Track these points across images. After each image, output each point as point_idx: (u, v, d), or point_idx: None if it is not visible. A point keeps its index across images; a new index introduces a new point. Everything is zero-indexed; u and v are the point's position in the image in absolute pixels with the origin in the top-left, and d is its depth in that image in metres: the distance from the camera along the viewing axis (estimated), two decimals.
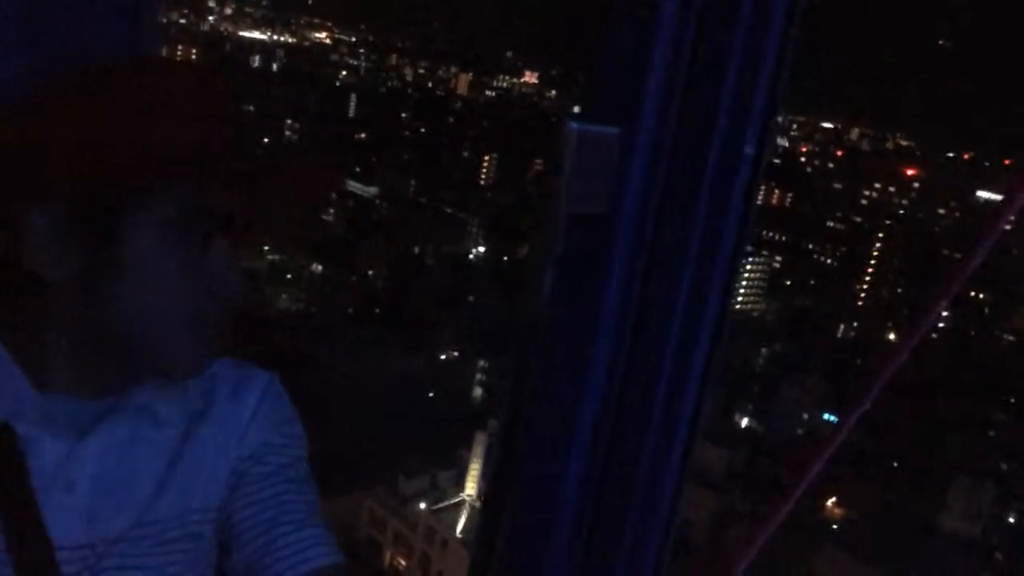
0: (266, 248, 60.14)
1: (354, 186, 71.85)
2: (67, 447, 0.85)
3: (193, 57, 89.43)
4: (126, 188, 0.80)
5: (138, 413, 0.90)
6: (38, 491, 0.83)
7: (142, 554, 0.88)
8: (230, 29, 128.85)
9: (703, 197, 1.21)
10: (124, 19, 1.08)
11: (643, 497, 1.34)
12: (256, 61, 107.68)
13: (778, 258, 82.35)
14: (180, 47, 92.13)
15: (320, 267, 64.84)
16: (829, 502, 49.78)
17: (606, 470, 1.35)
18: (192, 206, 0.81)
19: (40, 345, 0.84)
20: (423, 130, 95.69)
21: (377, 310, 62.12)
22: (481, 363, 56.30)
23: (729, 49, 1.16)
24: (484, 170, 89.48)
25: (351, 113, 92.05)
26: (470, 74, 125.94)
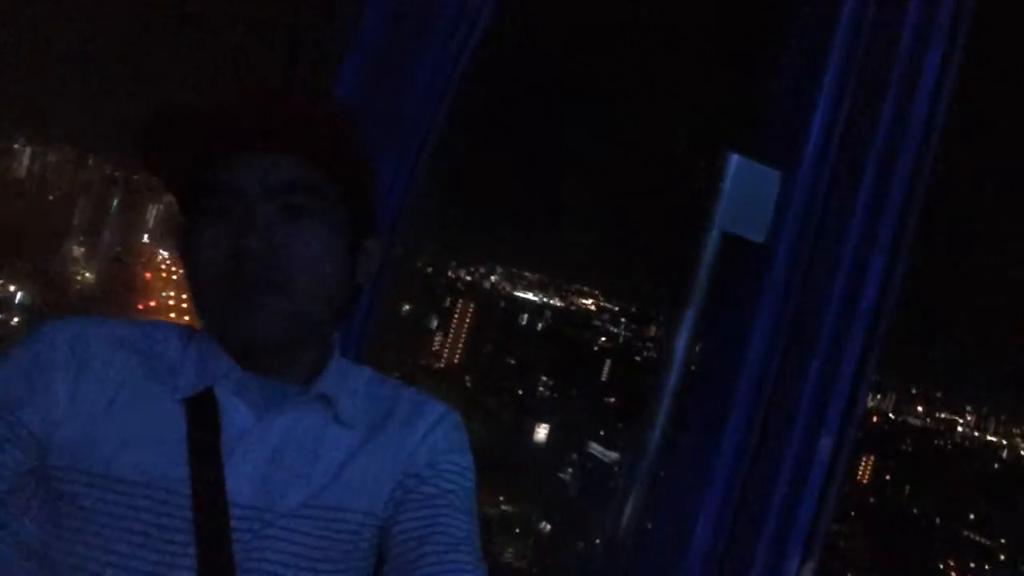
0: (501, 499, 60.97)
1: (595, 448, 71.77)
2: (255, 419, 0.96)
3: (471, 309, 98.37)
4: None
5: (323, 403, 1.00)
6: (223, 452, 0.93)
7: (303, 534, 0.93)
8: (507, 289, 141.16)
9: (853, 230, 1.32)
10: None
11: (779, 527, 1.34)
12: (524, 319, 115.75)
13: None
14: (460, 300, 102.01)
15: (549, 526, 64.04)
16: None
17: (741, 508, 1.38)
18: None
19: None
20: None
21: None
22: None
23: (883, 100, 1.33)
24: None
25: (604, 377, 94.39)
26: None
